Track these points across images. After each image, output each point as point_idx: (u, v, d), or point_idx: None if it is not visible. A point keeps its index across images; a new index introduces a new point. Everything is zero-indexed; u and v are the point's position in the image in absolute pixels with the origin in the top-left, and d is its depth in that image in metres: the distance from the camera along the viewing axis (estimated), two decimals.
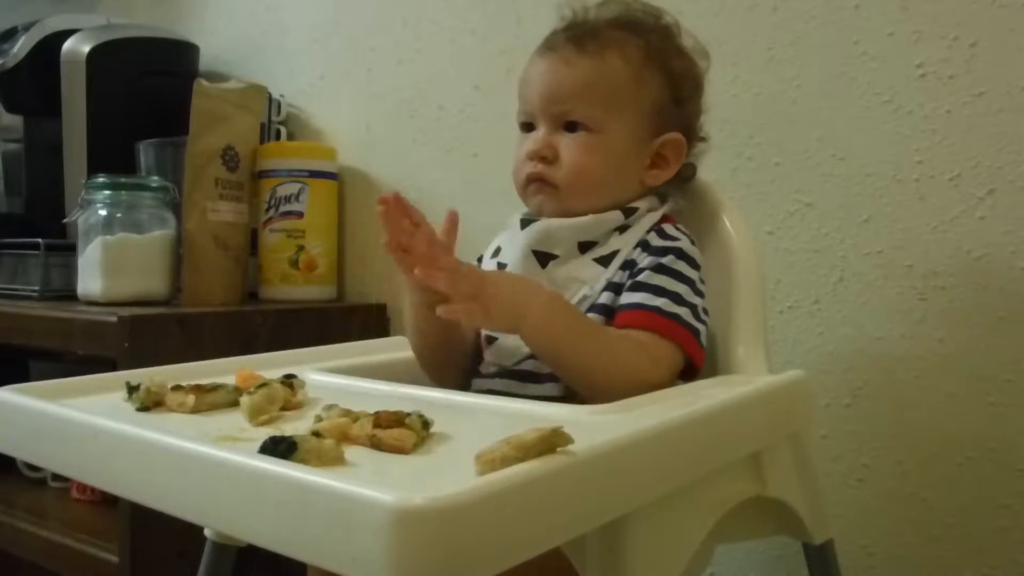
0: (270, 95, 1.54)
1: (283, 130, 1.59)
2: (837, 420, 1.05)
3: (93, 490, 1.34)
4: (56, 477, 1.41)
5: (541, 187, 0.81)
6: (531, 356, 0.77)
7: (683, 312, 0.75)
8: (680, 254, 0.78)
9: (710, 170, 1.11)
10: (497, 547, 0.44)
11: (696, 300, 0.77)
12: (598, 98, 0.80)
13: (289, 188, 1.40)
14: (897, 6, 1.00)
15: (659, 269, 0.77)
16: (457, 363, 0.83)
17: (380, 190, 1.49)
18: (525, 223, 0.82)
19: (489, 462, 0.47)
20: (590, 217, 0.80)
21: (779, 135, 1.09)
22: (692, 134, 0.86)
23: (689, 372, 0.77)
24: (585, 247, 0.81)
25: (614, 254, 0.80)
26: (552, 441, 0.48)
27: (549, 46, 0.83)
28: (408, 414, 0.56)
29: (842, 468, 1.05)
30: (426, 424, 0.57)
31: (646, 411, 0.63)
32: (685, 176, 0.87)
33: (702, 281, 0.79)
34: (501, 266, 0.83)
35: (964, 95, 0.97)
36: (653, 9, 0.87)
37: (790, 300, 1.08)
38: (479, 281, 0.69)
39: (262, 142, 1.46)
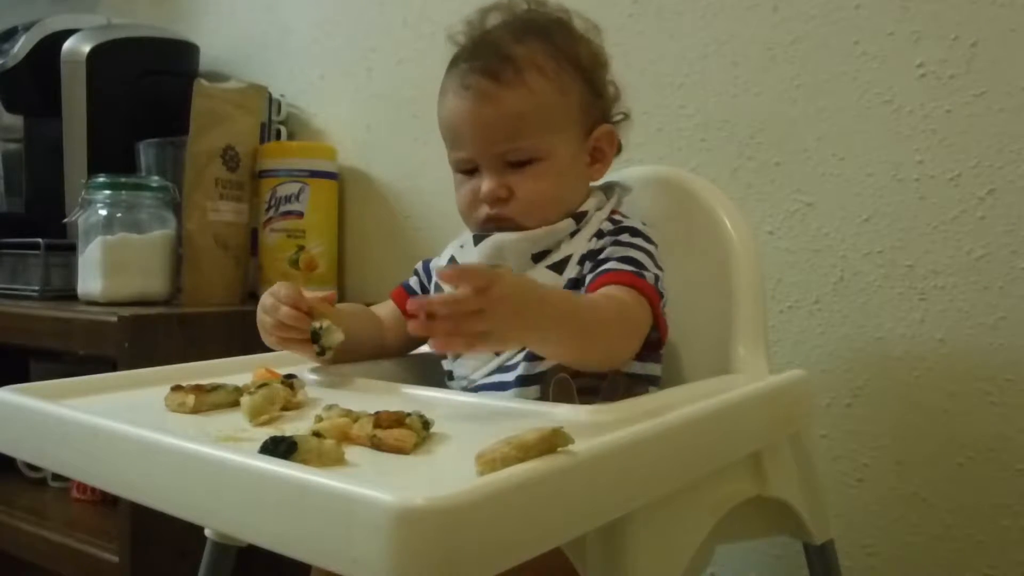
0: (270, 95, 1.54)
1: (283, 130, 1.59)
2: (837, 420, 1.05)
3: (93, 490, 1.34)
4: (56, 477, 1.42)
5: (500, 223, 0.81)
6: (496, 369, 0.78)
7: (648, 276, 0.76)
8: (634, 232, 0.80)
9: (711, 171, 1.12)
10: (497, 547, 0.44)
11: (656, 271, 0.78)
12: (535, 127, 0.78)
13: (289, 188, 1.40)
14: (897, 6, 1.00)
15: (618, 244, 0.78)
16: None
17: (380, 190, 1.49)
18: (478, 239, 0.82)
19: (489, 462, 0.47)
20: (543, 229, 0.80)
21: (779, 135, 1.09)
22: (615, 111, 0.87)
23: (655, 345, 0.78)
24: (538, 257, 0.81)
25: (567, 259, 0.80)
26: (552, 441, 0.48)
27: (463, 83, 0.80)
28: (408, 414, 0.56)
29: (842, 468, 1.05)
30: (426, 424, 0.57)
31: (647, 412, 0.63)
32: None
33: (658, 256, 0.80)
34: None
35: (964, 95, 0.97)
36: (537, 3, 0.85)
37: (790, 300, 1.08)
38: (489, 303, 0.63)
39: (262, 142, 1.46)
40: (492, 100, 0.78)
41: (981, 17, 0.95)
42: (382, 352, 0.86)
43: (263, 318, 0.76)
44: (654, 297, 0.75)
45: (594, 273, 0.77)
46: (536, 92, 0.78)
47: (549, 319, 0.67)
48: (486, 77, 0.78)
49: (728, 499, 0.70)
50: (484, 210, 0.81)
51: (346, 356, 0.79)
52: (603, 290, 0.75)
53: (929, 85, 0.99)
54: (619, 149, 0.88)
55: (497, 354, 0.79)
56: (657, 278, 0.77)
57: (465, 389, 0.81)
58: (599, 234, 0.81)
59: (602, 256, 0.78)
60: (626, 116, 0.88)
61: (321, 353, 0.74)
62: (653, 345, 0.79)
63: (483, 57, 0.79)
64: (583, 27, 0.85)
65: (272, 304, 0.75)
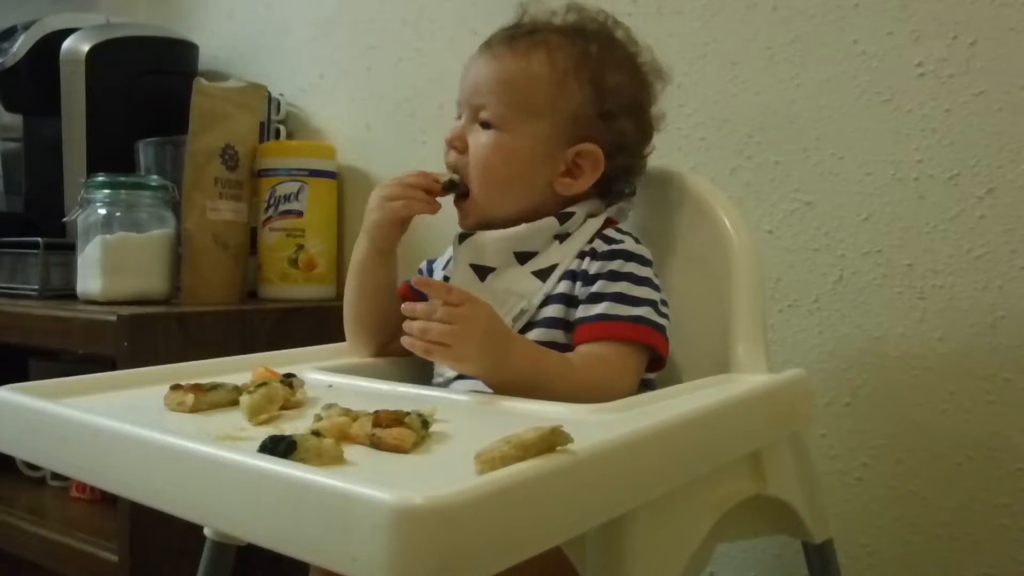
0: (270, 94, 1.54)
1: (283, 129, 1.59)
2: (836, 419, 1.05)
3: (93, 489, 1.34)
4: (56, 476, 1.41)
5: (456, 175, 0.83)
6: None
7: (645, 311, 0.76)
8: (628, 256, 0.79)
9: (710, 170, 1.12)
10: (497, 546, 0.44)
11: (655, 296, 0.78)
12: (512, 97, 0.80)
13: (289, 187, 1.40)
14: (897, 5, 1.00)
15: (613, 276, 0.78)
16: (381, 329, 0.86)
17: None
18: (463, 237, 0.83)
19: (489, 461, 0.47)
20: (523, 227, 0.81)
21: (779, 134, 1.09)
22: (619, 150, 0.83)
23: (654, 364, 0.79)
24: (523, 258, 0.81)
25: (553, 267, 0.80)
26: (552, 440, 0.48)
27: (487, 41, 0.85)
28: (407, 413, 0.56)
29: (841, 467, 1.05)
30: (425, 423, 0.57)
31: (646, 410, 0.63)
32: (622, 193, 0.87)
33: (656, 276, 0.80)
34: (446, 279, 0.84)
35: (964, 94, 0.97)
36: (607, 20, 0.86)
37: (790, 299, 1.08)
38: (457, 317, 0.68)
39: (262, 141, 1.45)
40: (494, 59, 0.82)
41: (980, 16, 0.95)
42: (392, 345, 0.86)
43: (387, 191, 0.83)
44: (653, 335, 0.76)
45: (587, 314, 0.77)
46: (532, 69, 0.81)
47: (511, 364, 0.70)
48: (504, 42, 0.83)
49: (727, 498, 0.70)
50: (449, 156, 0.85)
51: (378, 335, 0.86)
52: (592, 349, 0.75)
53: (928, 84, 0.99)
54: (631, 192, 0.87)
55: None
56: (655, 306, 0.77)
57: (441, 386, 0.81)
58: (592, 253, 0.80)
59: (595, 289, 0.77)
60: (636, 157, 0.86)
61: (453, 190, 0.82)
62: (654, 365, 0.79)
63: (517, 28, 0.84)
64: (645, 65, 0.85)
65: (391, 180, 0.83)
